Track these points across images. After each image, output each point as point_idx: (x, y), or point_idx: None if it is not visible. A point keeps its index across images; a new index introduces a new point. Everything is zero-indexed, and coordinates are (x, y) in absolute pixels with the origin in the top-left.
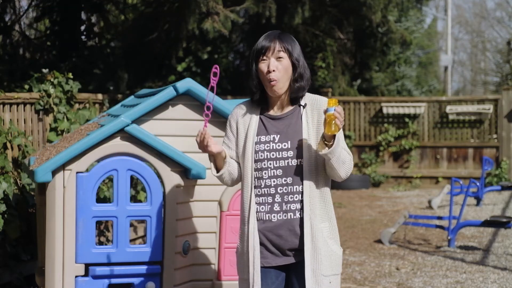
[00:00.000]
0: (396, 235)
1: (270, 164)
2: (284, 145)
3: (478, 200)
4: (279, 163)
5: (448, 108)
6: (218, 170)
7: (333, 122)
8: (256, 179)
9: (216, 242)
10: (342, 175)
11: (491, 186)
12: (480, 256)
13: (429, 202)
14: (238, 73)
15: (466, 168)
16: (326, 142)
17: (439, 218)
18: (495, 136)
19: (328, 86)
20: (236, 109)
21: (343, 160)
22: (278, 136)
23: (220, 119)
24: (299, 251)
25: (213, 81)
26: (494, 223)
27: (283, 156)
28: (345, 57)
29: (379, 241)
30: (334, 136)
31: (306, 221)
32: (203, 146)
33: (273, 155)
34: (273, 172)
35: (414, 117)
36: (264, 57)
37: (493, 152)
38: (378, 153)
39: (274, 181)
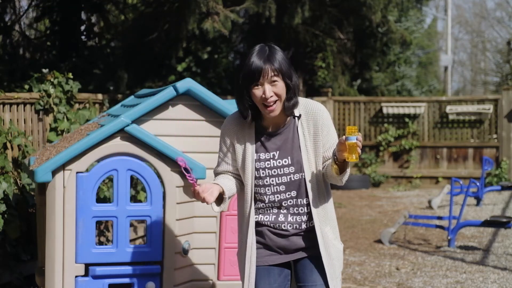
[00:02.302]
0: (396, 235)
1: (273, 181)
2: (285, 162)
3: (478, 200)
4: (281, 179)
5: (448, 108)
6: (218, 205)
7: (355, 150)
8: (258, 195)
9: (216, 242)
10: (343, 183)
11: (491, 186)
12: (480, 256)
13: (429, 202)
14: None
15: (466, 168)
16: (337, 162)
17: (439, 218)
18: (495, 136)
19: (328, 86)
20: (229, 124)
21: (346, 172)
22: (278, 152)
23: (220, 119)
24: (305, 249)
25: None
26: (494, 223)
27: (285, 172)
28: (345, 57)
29: (379, 241)
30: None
31: (318, 230)
32: (201, 201)
33: (274, 172)
34: (276, 188)
35: (414, 117)
36: (258, 83)
37: (493, 152)
38: (378, 153)
39: (277, 197)
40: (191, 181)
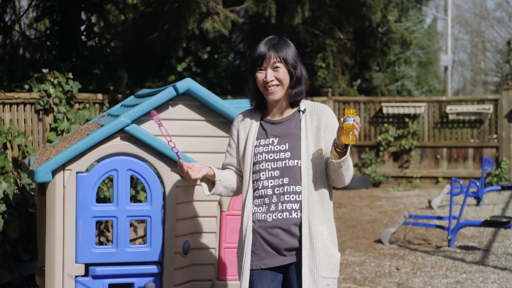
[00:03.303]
0: (396, 235)
1: (268, 165)
2: (282, 147)
3: (478, 200)
4: (276, 164)
5: (448, 108)
6: (211, 189)
7: (351, 132)
8: (254, 181)
9: (216, 242)
10: (346, 182)
11: (491, 186)
12: (480, 256)
13: (429, 202)
14: (238, 73)
15: (466, 168)
16: (337, 150)
17: (439, 218)
18: (495, 136)
19: (328, 86)
20: (238, 118)
21: (348, 166)
22: (277, 139)
23: (220, 119)
24: (297, 251)
25: (160, 123)
26: (494, 223)
27: (281, 157)
28: (345, 57)
29: (379, 241)
30: (346, 145)
31: (304, 221)
32: (185, 176)
33: (271, 156)
34: (271, 173)
35: (414, 117)
36: (261, 67)
37: (493, 152)
38: (378, 153)
39: (271, 182)
40: (174, 150)
